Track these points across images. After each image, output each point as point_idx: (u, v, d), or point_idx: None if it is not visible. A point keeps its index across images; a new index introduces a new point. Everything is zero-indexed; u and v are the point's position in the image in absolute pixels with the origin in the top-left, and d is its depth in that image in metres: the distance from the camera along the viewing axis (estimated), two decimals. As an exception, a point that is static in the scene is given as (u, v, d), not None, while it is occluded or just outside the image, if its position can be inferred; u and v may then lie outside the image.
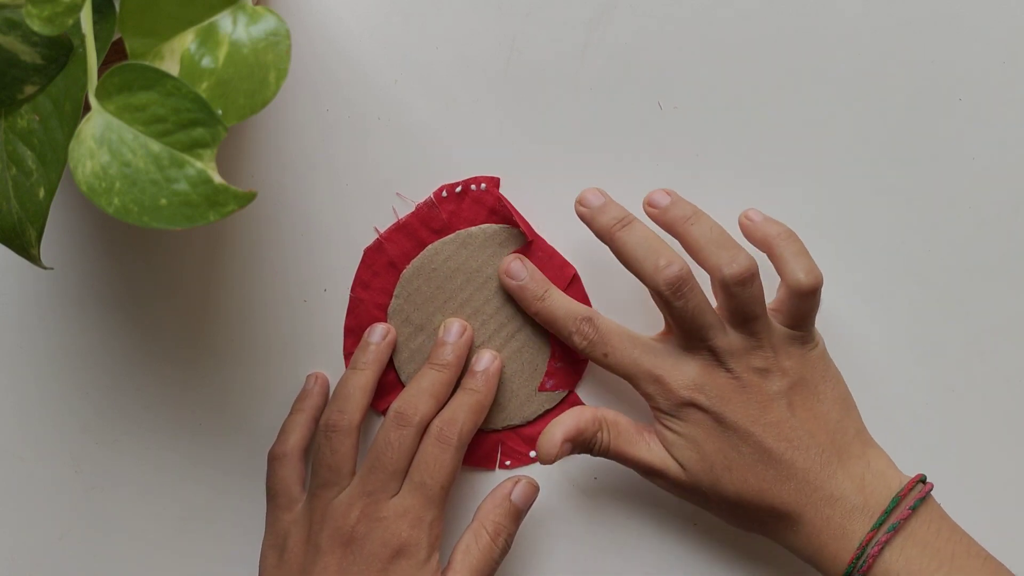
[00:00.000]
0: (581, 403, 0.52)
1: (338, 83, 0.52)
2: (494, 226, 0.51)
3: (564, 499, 0.53)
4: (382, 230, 0.52)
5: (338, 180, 0.52)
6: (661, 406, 0.48)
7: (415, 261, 0.52)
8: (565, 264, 0.52)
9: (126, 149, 0.35)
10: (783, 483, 0.47)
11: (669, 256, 0.47)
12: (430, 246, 0.51)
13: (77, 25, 0.35)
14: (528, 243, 0.51)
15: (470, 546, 0.49)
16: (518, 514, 0.50)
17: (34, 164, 0.38)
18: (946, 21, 0.51)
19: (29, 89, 0.37)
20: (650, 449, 0.48)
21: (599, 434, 0.48)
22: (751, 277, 0.46)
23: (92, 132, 0.35)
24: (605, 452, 0.48)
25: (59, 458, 0.53)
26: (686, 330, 0.47)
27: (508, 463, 0.52)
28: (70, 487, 0.54)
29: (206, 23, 0.38)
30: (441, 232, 0.51)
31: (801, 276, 0.47)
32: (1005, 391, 0.52)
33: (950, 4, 0.51)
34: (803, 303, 0.47)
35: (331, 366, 0.53)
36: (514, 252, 0.51)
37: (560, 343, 0.51)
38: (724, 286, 0.46)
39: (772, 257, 0.48)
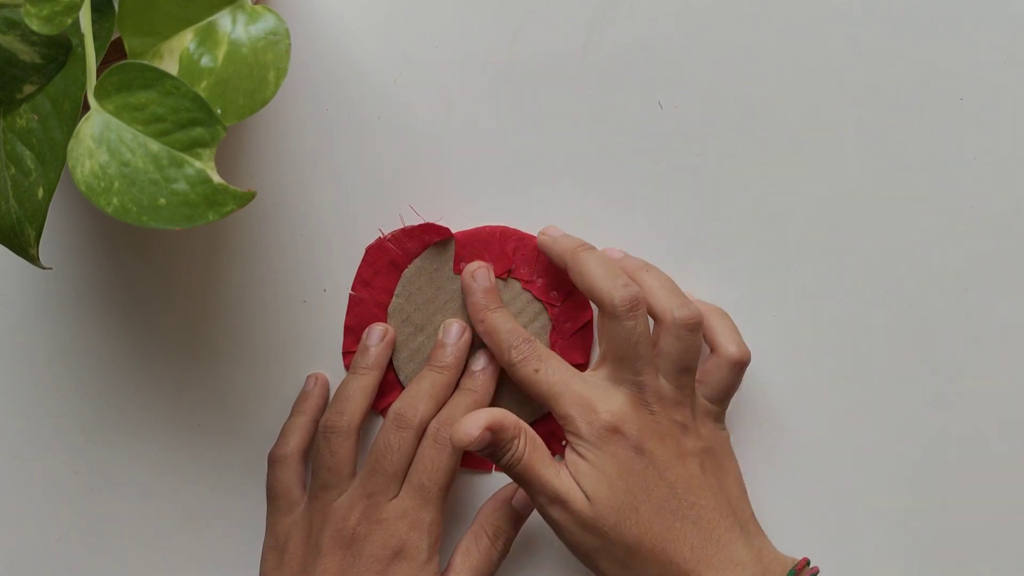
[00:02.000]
0: None
1: (338, 83, 0.52)
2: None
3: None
4: (385, 231, 0.52)
5: (338, 180, 0.52)
6: (581, 430, 0.46)
7: (417, 261, 0.51)
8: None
9: (125, 148, 0.35)
10: (686, 537, 0.46)
11: (628, 280, 0.47)
12: (433, 246, 0.51)
13: (76, 24, 0.35)
14: (533, 245, 0.51)
15: (470, 548, 0.49)
16: (518, 519, 0.50)
17: (33, 164, 0.38)
18: (946, 21, 0.51)
19: (28, 88, 0.37)
20: (559, 475, 0.46)
21: (516, 441, 0.46)
22: (698, 326, 0.47)
23: (91, 131, 0.35)
24: (516, 463, 0.46)
25: (59, 458, 0.53)
26: (623, 357, 0.46)
27: None
28: (69, 487, 0.53)
29: (205, 22, 0.38)
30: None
31: (733, 348, 0.48)
32: (1005, 391, 0.52)
33: (950, 4, 0.51)
34: (728, 375, 0.48)
35: (331, 366, 0.53)
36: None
37: (558, 347, 0.51)
38: (672, 328, 0.47)
39: (706, 328, 0.49)
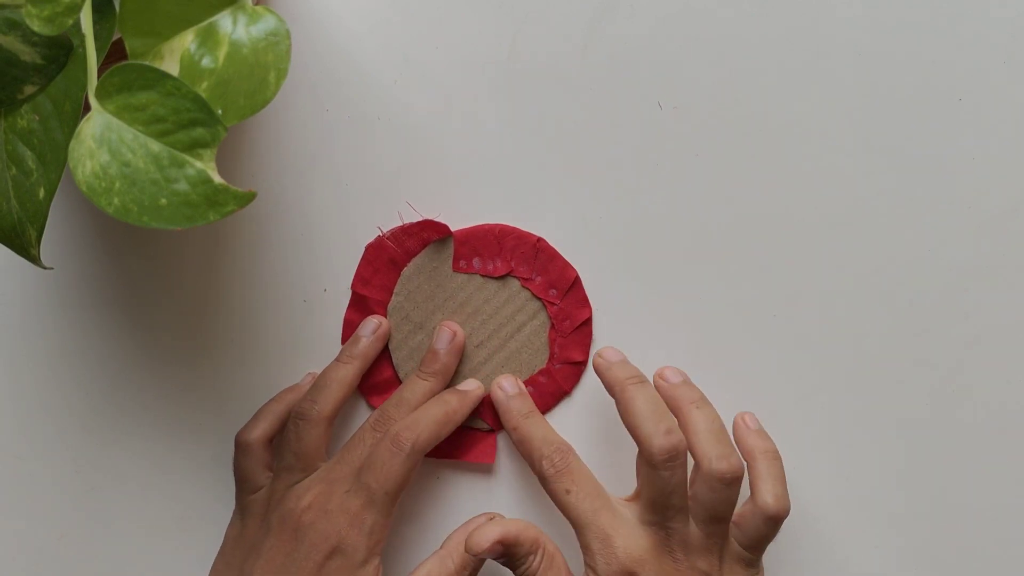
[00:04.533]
0: (494, 448, 0.52)
1: (338, 83, 0.52)
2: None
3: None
4: (385, 229, 0.52)
5: (338, 180, 0.52)
6: (598, 566, 0.46)
7: (416, 259, 0.52)
8: (567, 266, 0.52)
9: (126, 149, 0.35)
10: None
11: (673, 425, 0.46)
12: (432, 244, 0.51)
13: (77, 25, 0.35)
14: (532, 243, 0.51)
15: (432, 572, 0.48)
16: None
17: (34, 164, 0.38)
18: (946, 21, 0.51)
19: (29, 89, 0.37)
20: None
21: (531, 557, 0.46)
22: (736, 480, 0.46)
23: (92, 132, 0.35)
24: None
25: (59, 458, 0.53)
26: (656, 503, 0.46)
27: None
28: (71, 486, 0.54)
29: (206, 23, 0.38)
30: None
31: (770, 500, 0.46)
32: (1005, 392, 0.52)
33: (950, 4, 0.51)
34: (763, 526, 0.47)
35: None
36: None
37: (557, 344, 0.51)
38: (708, 478, 0.46)
39: (751, 470, 0.48)
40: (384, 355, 0.52)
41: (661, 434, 0.45)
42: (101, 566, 0.54)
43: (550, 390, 0.52)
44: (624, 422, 0.47)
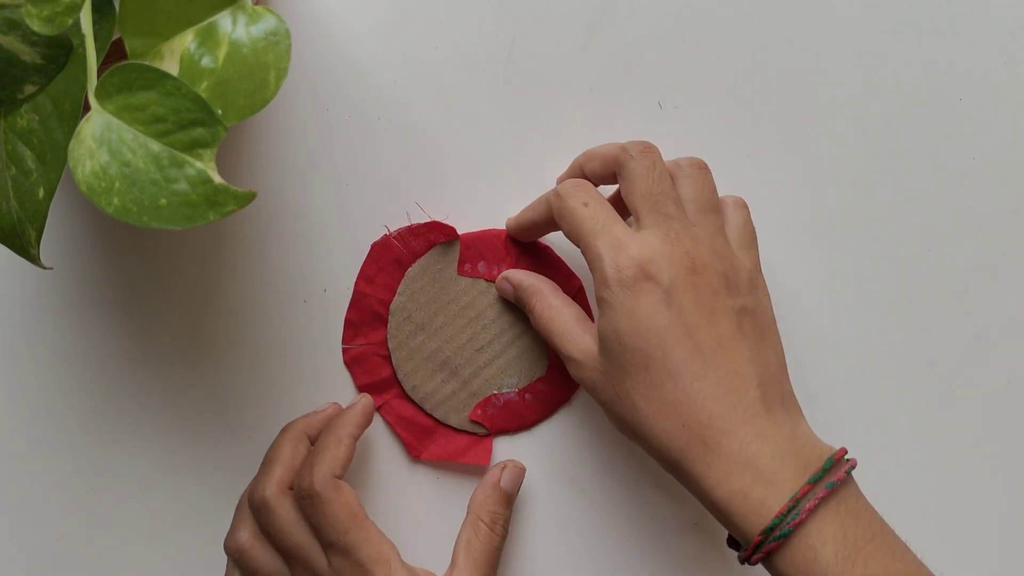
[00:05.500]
0: (490, 451, 0.52)
1: (338, 83, 0.52)
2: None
3: (564, 502, 0.53)
4: (391, 228, 0.52)
5: (338, 180, 0.52)
6: (607, 273, 0.43)
7: (421, 260, 0.52)
8: (572, 276, 0.52)
9: (126, 149, 0.35)
10: (706, 401, 0.41)
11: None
12: (438, 246, 0.51)
13: (77, 25, 0.35)
14: (538, 251, 0.51)
15: (471, 540, 0.48)
16: (510, 500, 0.50)
17: (34, 164, 0.38)
18: (946, 21, 0.51)
19: (29, 89, 0.37)
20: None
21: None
22: (704, 165, 0.46)
23: (92, 132, 0.35)
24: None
25: (59, 458, 0.53)
26: (647, 199, 0.44)
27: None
28: (71, 487, 0.53)
29: (206, 23, 0.38)
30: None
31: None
32: (1005, 392, 0.52)
33: (950, 4, 0.51)
34: (736, 214, 0.47)
35: (331, 366, 0.53)
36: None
37: (558, 358, 0.51)
38: (681, 170, 0.46)
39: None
40: (384, 355, 0.52)
41: (626, 143, 0.46)
42: (101, 566, 0.54)
43: (550, 397, 0.52)
44: (592, 171, 0.47)
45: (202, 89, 0.37)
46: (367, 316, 0.52)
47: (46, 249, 0.42)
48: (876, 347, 0.52)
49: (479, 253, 0.51)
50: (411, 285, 0.52)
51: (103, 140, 0.35)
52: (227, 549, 0.49)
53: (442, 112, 0.52)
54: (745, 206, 0.47)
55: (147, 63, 0.35)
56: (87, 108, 0.36)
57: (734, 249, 0.45)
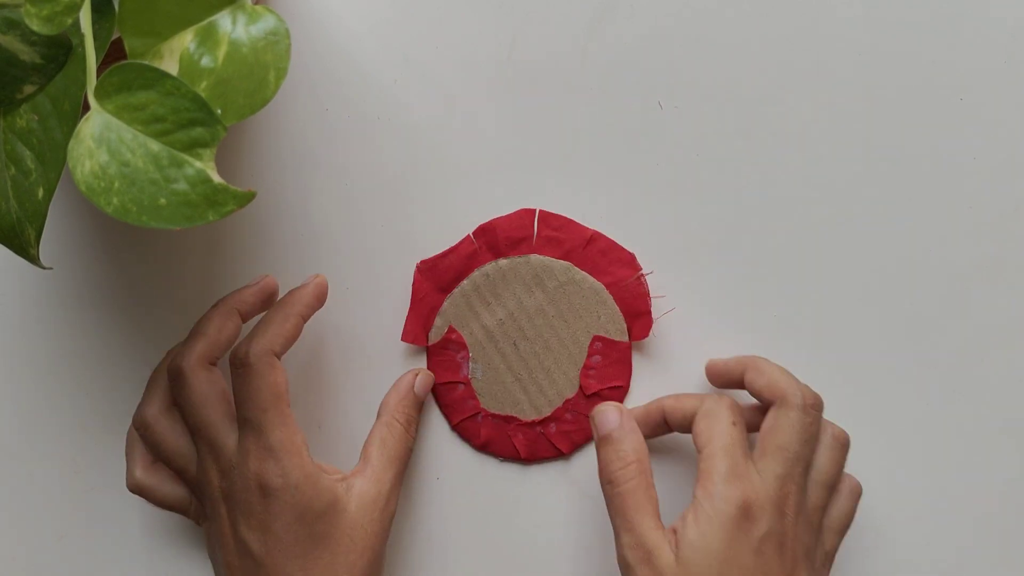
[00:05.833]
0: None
1: (338, 83, 0.52)
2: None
3: (571, 507, 0.53)
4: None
5: (338, 180, 0.52)
6: (713, 492, 0.44)
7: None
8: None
9: (125, 149, 0.35)
10: None
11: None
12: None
13: (76, 24, 0.35)
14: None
15: (386, 438, 0.49)
16: (421, 404, 0.51)
17: (33, 164, 0.38)
18: (946, 21, 0.51)
19: (28, 89, 0.37)
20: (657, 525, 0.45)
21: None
22: (848, 442, 0.47)
23: (91, 132, 0.35)
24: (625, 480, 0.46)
25: (59, 458, 0.53)
26: (785, 450, 0.45)
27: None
28: (70, 487, 0.53)
29: (205, 22, 0.38)
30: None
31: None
32: (1005, 392, 0.52)
33: (950, 4, 0.51)
34: (846, 503, 0.48)
35: (332, 366, 0.53)
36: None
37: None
38: (827, 439, 0.47)
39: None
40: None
41: (807, 388, 0.46)
42: (101, 566, 0.54)
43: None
44: (759, 382, 0.47)
45: (202, 89, 0.37)
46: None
47: (45, 249, 0.42)
48: (876, 347, 0.52)
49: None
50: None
51: (102, 140, 0.35)
52: (134, 421, 0.48)
53: (442, 112, 0.52)
54: (859, 495, 0.48)
55: (146, 63, 0.35)
56: (86, 108, 0.36)
57: (825, 527, 0.47)
